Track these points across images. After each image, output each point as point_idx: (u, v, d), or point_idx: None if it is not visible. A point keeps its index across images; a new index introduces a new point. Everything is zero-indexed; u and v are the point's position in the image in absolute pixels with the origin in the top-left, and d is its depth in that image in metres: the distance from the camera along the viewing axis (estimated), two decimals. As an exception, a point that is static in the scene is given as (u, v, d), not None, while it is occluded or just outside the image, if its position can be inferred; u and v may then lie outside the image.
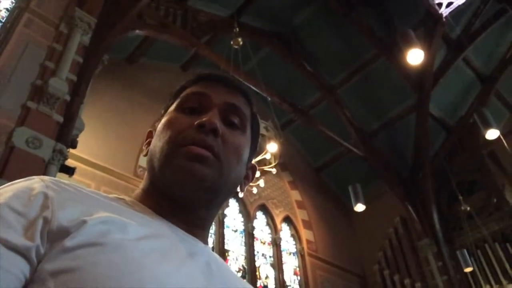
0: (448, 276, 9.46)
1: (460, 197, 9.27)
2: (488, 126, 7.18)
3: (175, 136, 0.72)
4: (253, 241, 9.27)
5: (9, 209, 0.55)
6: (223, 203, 0.81)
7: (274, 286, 9.15)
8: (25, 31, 5.18)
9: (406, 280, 9.99)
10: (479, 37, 9.58)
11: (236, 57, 7.51)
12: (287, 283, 9.41)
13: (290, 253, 10.07)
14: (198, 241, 0.72)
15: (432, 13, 8.87)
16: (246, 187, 0.84)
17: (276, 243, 9.74)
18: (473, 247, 9.38)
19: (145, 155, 0.80)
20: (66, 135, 4.92)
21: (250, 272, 8.73)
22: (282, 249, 9.82)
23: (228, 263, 8.09)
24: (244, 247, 9.08)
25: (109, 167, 7.34)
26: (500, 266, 9.08)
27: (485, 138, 7.72)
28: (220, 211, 8.00)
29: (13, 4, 6.00)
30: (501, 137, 7.64)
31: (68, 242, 0.54)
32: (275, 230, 10.00)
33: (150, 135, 0.83)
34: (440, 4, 8.81)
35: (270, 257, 9.54)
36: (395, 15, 9.23)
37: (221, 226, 8.73)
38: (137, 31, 7.36)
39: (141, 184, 0.79)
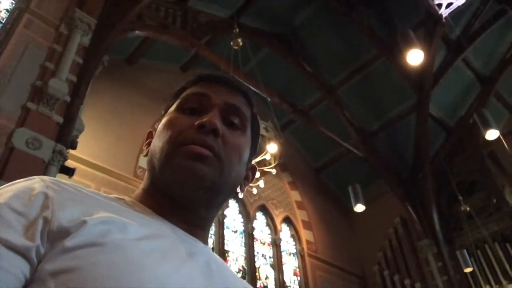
0: (448, 277, 9.47)
1: (460, 198, 9.27)
2: (488, 126, 7.18)
3: (176, 136, 0.72)
4: (253, 241, 9.27)
5: (9, 209, 0.55)
6: (223, 203, 0.81)
7: (274, 286, 9.15)
8: (25, 32, 5.18)
9: (406, 281, 9.99)
10: (478, 37, 9.59)
11: (236, 58, 7.51)
12: (287, 284, 9.40)
13: (290, 254, 10.07)
14: (198, 241, 0.72)
15: (432, 14, 8.88)
16: (246, 187, 0.85)
17: (276, 244, 9.74)
18: (473, 247, 9.38)
19: (145, 155, 0.80)
20: (66, 136, 4.92)
21: (250, 272, 8.73)
22: (282, 249, 9.82)
23: (228, 264, 8.08)
24: (244, 248, 9.08)
25: (109, 168, 7.34)
26: (500, 266, 9.08)
27: (485, 139, 7.73)
28: (220, 212, 7.99)
29: (13, 5, 6.01)
30: (501, 137, 7.65)
31: (68, 242, 0.54)
32: (275, 230, 10.00)
33: (150, 135, 0.84)
34: (440, 5, 8.81)
35: (270, 257, 9.53)
36: (395, 16, 9.24)
37: (221, 226, 8.73)
38: (137, 32, 7.36)
39: (141, 185, 0.79)
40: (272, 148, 6.48)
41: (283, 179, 11.05)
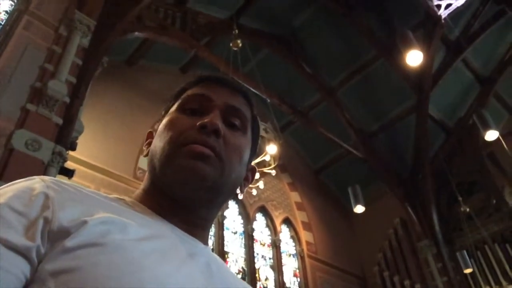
0: (448, 277, 9.46)
1: (460, 198, 9.27)
2: (487, 127, 7.19)
3: (177, 136, 0.72)
4: (252, 243, 9.26)
5: (9, 209, 0.55)
6: (223, 204, 0.82)
7: (274, 288, 9.15)
8: (24, 33, 5.18)
9: (406, 282, 9.99)
10: (478, 38, 9.59)
11: (236, 59, 7.51)
12: (287, 285, 9.40)
13: (289, 255, 10.07)
14: (198, 241, 0.72)
15: (431, 15, 8.89)
16: (246, 188, 0.85)
17: (275, 245, 9.74)
18: (473, 248, 9.38)
19: (146, 156, 0.81)
20: (66, 137, 4.92)
21: (250, 274, 8.72)
22: (281, 250, 9.82)
23: (228, 265, 8.08)
24: (244, 249, 9.08)
25: (109, 169, 7.34)
26: (500, 267, 9.08)
27: (485, 139, 7.74)
28: (219, 213, 7.98)
29: (13, 7, 6.01)
30: (501, 138, 7.66)
31: (69, 243, 0.54)
32: (274, 231, 9.99)
33: (150, 136, 0.84)
34: (439, 6, 8.82)
35: (269, 259, 9.53)
36: (395, 17, 9.25)
37: (220, 228, 8.73)
38: (136, 33, 7.37)
39: (141, 185, 0.79)
40: (271, 149, 6.49)
41: (283, 180, 11.05)
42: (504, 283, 8.93)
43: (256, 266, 9.03)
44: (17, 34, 5.13)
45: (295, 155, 11.69)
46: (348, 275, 10.84)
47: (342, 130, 10.47)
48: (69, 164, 5.22)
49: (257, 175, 6.33)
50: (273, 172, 6.77)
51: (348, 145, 10.55)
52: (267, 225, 10.07)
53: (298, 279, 9.77)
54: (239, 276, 8.11)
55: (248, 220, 9.52)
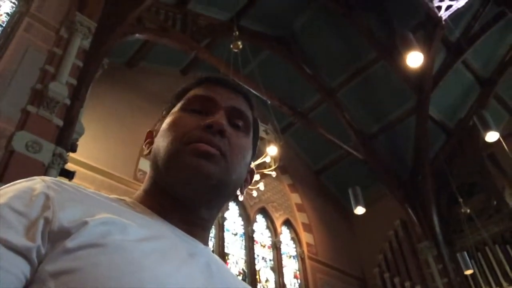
0: (448, 279, 9.45)
1: (460, 200, 9.26)
2: (487, 128, 7.19)
3: (182, 135, 0.73)
4: (253, 244, 9.26)
5: (10, 209, 0.56)
6: (224, 204, 0.82)
7: (274, 289, 9.14)
8: (25, 35, 5.19)
9: (406, 283, 9.98)
10: (478, 40, 9.61)
11: (236, 61, 7.52)
12: (287, 287, 9.39)
13: (290, 256, 10.06)
14: (198, 242, 0.72)
15: (431, 16, 8.90)
16: (245, 190, 0.85)
17: (276, 246, 9.73)
18: (473, 249, 9.37)
19: (147, 155, 0.81)
20: (66, 139, 4.92)
21: (250, 275, 8.72)
22: (282, 252, 9.81)
23: (228, 267, 8.07)
24: (244, 251, 9.07)
25: (109, 171, 7.34)
26: (501, 268, 9.07)
27: (485, 141, 7.74)
28: (220, 215, 7.99)
29: (14, 9, 6.02)
30: (501, 139, 7.66)
31: (69, 243, 0.54)
32: (275, 233, 9.99)
33: (150, 135, 0.84)
34: (439, 7, 8.83)
35: (270, 260, 9.52)
36: (395, 17, 9.26)
37: (221, 229, 8.72)
38: (137, 35, 7.38)
39: (142, 185, 0.79)
40: (272, 150, 6.49)
41: (283, 182, 11.04)
42: (504, 284, 8.91)
43: (257, 267, 9.02)
44: (18, 36, 5.14)
45: (295, 157, 11.69)
46: (348, 277, 10.83)
47: (342, 132, 10.47)
48: (69, 166, 5.22)
49: (257, 177, 6.35)
50: (274, 174, 6.77)
51: (348, 147, 10.55)
52: (268, 227, 10.07)
53: (299, 281, 9.76)
54: (240, 277, 8.11)
55: (248, 221, 9.52)
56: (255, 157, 0.89)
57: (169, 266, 0.59)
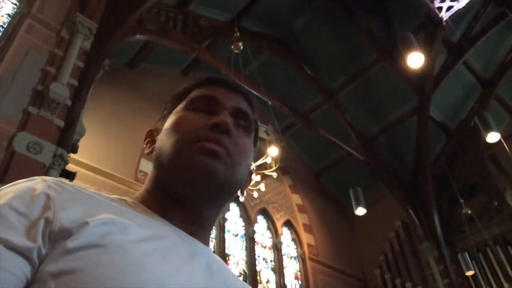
0: (449, 280, 9.44)
1: (461, 201, 9.26)
2: (488, 129, 7.18)
3: (188, 134, 0.73)
4: (254, 245, 9.25)
5: (10, 209, 0.56)
6: (225, 204, 0.82)
7: (275, 290, 9.14)
8: (26, 36, 5.20)
9: (407, 284, 9.97)
10: (479, 40, 9.61)
11: (237, 61, 7.53)
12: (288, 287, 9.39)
13: (291, 257, 10.05)
14: (199, 242, 0.72)
15: (432, 17, 8.89)
16: (245, 190, 0.86)
17: (277, 247, 9.73)
18: (475, 250, 9.35)
19: (149, 154, 0.81)
20: (67, 140, 4.93)
21: (251, 276, 8.71)
22: (283, 253, 9.80)
23: (229, 268, 8.07)
24: (245, 252, 9.07)
25: (110, 172, 7.34)
26: (502, 269, 9.05)
27: (486, 141, 7.73)
28: (220, 215, 7.99)
29: (15, 10, 6.03)
30: (502, 140, 7.65)
31: (70, 244, 0.54)
32: (276, 234, 9.99)
33: (150, 134, 0.85)
34: (440, 8, 8.83)
35: (271, 261, 9.52)
36: (395, 18, 9.25)
37: (221, 230, 8.72)
38: (138, 36, 7.38)
39: (144, 185, 0.79)
40: (273, 151, 6.49)
41: (284, 183, 11.04)
42: (506, 285, 8.89)
43: (257, 268, 9.02)
44: (19, 37, 5.15)
45: (296, 158, 11.69)
46: (349, 278, 10.82)
47: (343, 132, 10.47)
48: (70, 167, 5.23)
49: (258, 177, 6.35)
50: (274, 175, 6.77)
51: (349, 147, 10.54)
52: (268, 228, 10.07)
53: (300, 282, 9.75)
54: (240, 279, 8.10)
55: (249, 222, 9.51)
56: (253, 158, 0.89)
57: (169, 267, 0.59)
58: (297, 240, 10.37)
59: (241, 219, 9.50)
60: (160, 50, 8.73)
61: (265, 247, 9.62)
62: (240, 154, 0.75)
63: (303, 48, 10.42)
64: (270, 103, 8.58)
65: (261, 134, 6.32)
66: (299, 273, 9.89)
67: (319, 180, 12.14)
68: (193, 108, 0.79)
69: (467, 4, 8.75)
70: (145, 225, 0.65)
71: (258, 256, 9.24)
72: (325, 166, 12.07)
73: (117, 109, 8.12)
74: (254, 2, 9.22)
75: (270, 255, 9.60)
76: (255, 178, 6.31)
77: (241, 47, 7.65)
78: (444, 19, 8.84)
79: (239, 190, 0.81)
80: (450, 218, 10.21)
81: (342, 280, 10.58)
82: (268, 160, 6.47)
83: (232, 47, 7.65)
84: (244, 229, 9.39)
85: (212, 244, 8.28)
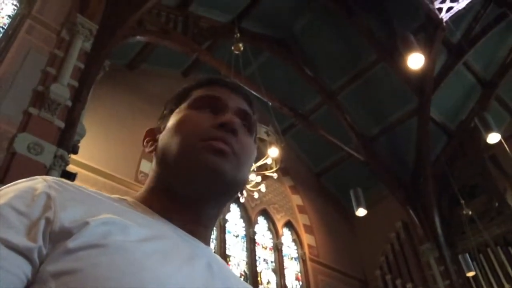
0: (450, 281, 9.43)
1: (462, 201, 9.24)
2: (489, 130, 7.18)
3: (195, 132, 0.73)
4: (254, 246, 9.25)
5: (11, 209, 0.55)
6: (226, 204, 0.82)
7: (275, 291, 9.13)
8: (27, 37, 5.20)
9: (408, 285, 9.96)
10: (479, 41, 9.60)
11: (237, 62, 7.53)
12: (289, 288, 9.39)
13: (291, 258, 10.05)
14: (200, 242, 0.72)
15: (432, 18, 8.89)
16: (244, 190, 0.86)
17: (277, 248, 9.72)
18: (475, 251, 9.34)
19: (150, 152, 0.81)
20: (68, 141, 4.93)
21: (252, 277, 8.71)
22: (283, 254, 9.80)
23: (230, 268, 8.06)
24: (246, 253, 9.06)
25: (110, 173, 7.35)
26: (503, 270, 9.04)
27: (486, 142, 7.72)
28: (221, 216, 7.99)
29: (15, 11, 6.04)
30: (502, 141, 7.65)
31: (71, 244, 0.54)
32: (276, 235, 9.98)
33: (150, 133, 0.85)
34: (440, 9, 8.83)
35: (271, 262, 9.51)
36: (395, 19, 9.25)
37: (222, 231, 8.72)
38: (138, 37, 7.39)
39: (145, 185, 0.79)
40: (273, 152, 6.48)
41: (284, 184, 11.04)
42: (507, 286, 8.88)
43: (258, 269, 9.01)
44: (19, 38, 5.15)
45: (296, 158, 11.69)
46: (350, 279, 10.81)
47: (343, 133, 10.47)
48: (71, 168, 5.22)
49: (259, 178, 6.35)
50: (275, 175, 6.77)
51: (349, 148, 10.54)
52: (269, 229, 10.06)
53: (300, 283, 9.74)
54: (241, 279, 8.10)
55: (250, 223, 9.51)
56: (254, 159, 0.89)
57: (170, 267, 0.59)
58: (297, 241, 10.37)
59: (241, 220, 9.49)
60: (160, 51, 8.74)
61: (265, 248, 9.61)
62: (244, 153, 0.75)
63: (303, 48, 10.42)
64: (270, 104, 8.58)
65: (262, 135, 6.31)
66: (299, 274, 9.88)
67: (320, 180, 12.14)
68: (197, 107, 0.79)
69: (467, 5, 8.75)
70: (146, 225, 0.65)
71: (259, 257, 9.24)
72: (326, 167, 12.07)
73: (117, 110, 8.13)
74: (255, 3, 9.23)
75: (270, 256, 9.60)
76: (256, 179, 6.32)
77: (242, 48, 7.65)
78: (444, 20, 8.84)
79: (240, 190, 0.81)
80: (450, 218, 10.20)
81: (343, 281, 10.57)
82: (269, 161, 6.47)
83: (233, 48, 7.65)
84: (245, 230, 9.39)
85: (212, 245, 8.28)
